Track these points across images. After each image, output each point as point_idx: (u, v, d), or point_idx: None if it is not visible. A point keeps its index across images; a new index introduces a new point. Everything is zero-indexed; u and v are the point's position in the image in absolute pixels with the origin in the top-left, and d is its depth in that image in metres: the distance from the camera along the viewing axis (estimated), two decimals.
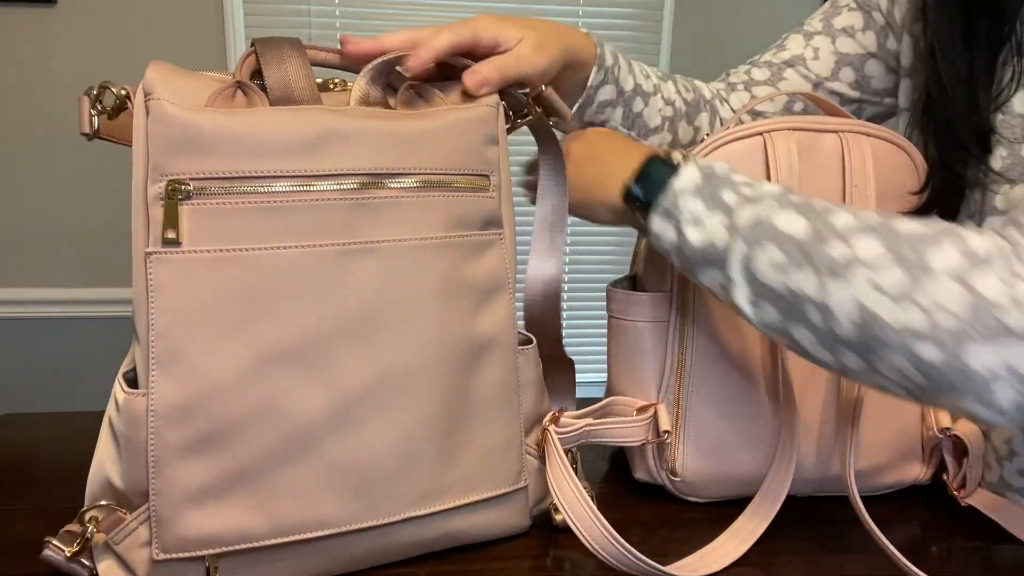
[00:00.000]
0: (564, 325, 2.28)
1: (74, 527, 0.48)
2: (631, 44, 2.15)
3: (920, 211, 0.62)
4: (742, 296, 0.49)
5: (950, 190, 0.63)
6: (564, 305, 2.28)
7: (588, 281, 2.30)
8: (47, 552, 0.48)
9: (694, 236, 0.51)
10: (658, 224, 0.53)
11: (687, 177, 0.52)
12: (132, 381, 0.47)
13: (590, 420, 0.59)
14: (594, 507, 0.51)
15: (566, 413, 0.58)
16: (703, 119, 0.77)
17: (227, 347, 0.46)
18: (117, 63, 1.94)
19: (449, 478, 0.52)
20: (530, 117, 0.58)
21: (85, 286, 2.03)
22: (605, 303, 0.66)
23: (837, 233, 0.46)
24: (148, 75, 0.46)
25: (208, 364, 0.46)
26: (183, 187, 0.45)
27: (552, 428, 0.56)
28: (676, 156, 0.54)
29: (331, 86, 0.53)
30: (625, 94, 0.70)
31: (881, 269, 0.44)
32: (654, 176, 0.54)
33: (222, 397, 0.46)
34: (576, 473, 0.57)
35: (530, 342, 0.57)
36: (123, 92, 0.48)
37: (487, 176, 0.53)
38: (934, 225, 0.45)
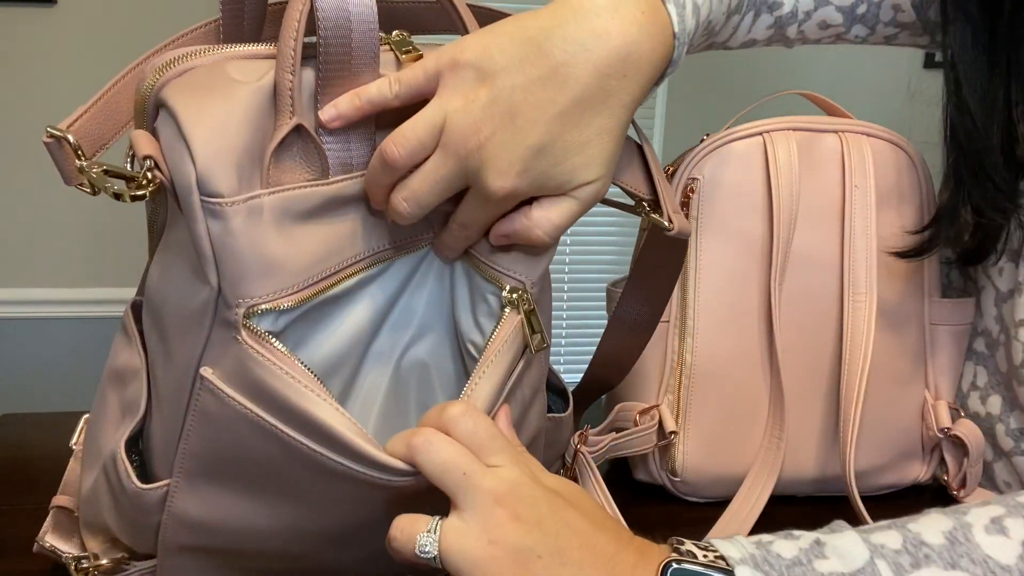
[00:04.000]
0: (564, 325, 2.29)
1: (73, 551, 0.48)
2: None
3: (916, 252, 0.58)
4: None
5: (982, 232, 0.56)
6: (564, 305, 2.28)
7: (588, 281, 2.30)
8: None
9: None
10: None
11: None
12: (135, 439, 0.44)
13: (613, 435, 0.60)
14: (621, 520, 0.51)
15: (591, 432, 0.60)
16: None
17: None
18: (117, 63, 1.93)
19: None
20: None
21: (85, 286, 2.03)
22: (605, 303, 0.66)
23: None
24: (173, 105, 0.40)
25: None
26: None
27: (583, 448, 0.57)
28: (700, 553, 0.35)
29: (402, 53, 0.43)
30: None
31: None
32: None
33: None
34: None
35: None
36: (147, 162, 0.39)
37: None
38: None
